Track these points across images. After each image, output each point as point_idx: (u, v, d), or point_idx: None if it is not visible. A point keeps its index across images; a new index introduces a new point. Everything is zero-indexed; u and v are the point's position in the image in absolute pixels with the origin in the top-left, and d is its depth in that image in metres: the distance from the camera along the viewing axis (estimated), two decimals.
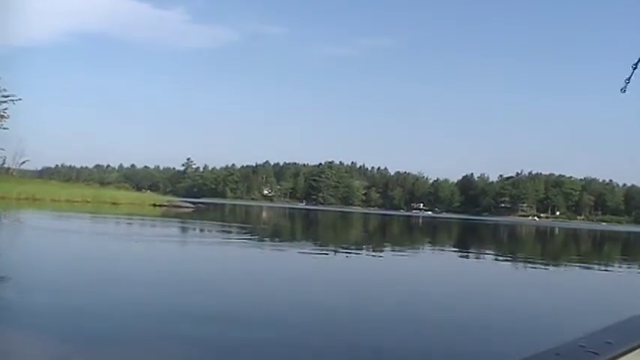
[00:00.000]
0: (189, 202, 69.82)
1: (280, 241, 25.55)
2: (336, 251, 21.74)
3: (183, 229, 30.04)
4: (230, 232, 29.47)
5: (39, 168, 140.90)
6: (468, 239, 40.82)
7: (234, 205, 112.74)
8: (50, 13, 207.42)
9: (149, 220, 34.89)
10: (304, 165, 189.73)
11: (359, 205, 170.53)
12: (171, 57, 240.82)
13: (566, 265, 22.72)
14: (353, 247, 24.44)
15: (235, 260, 16.04)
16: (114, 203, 54.25)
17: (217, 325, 7.29)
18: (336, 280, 13.16)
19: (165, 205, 58.24)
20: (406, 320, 8.77)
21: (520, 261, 23.72)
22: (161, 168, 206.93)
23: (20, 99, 50.65)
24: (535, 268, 20.82)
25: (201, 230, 30.16)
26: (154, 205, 58.08)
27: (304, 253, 19.29)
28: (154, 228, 30.10)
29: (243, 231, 30.57)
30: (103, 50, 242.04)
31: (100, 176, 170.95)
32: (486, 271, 18.78)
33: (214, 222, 38.15)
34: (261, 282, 11.71)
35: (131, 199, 60.26)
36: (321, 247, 22.90)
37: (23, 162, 62.40)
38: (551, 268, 21.06)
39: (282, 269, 14.59)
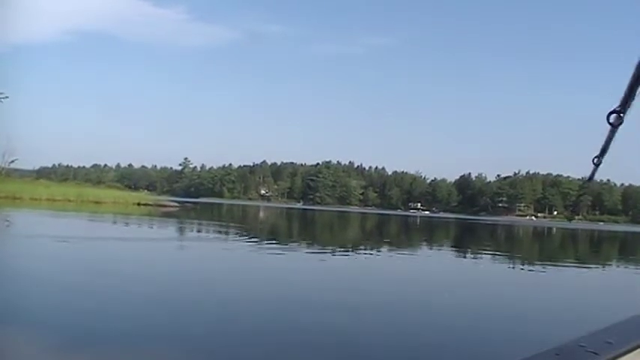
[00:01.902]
0: (181, 202, 69.74)
1: (263, 242, 25.01)
2: (329, 253, 21.48)
3: (142, 227, 29.63)
4: (202, 230, 29.23)
5: (36, 167, 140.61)
6: (465, 239, 40.65)
7: (227, 204, 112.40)
8: (50, 12, 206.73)
9: (111, 219, 34.19)
10: (301, 165, 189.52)
11: (356, 205, 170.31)
12: (171, 55, 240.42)
13: (564, 265, 22.53)
14: (350, 248, 24.19)
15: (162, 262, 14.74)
16: (96, 202, 53.90)
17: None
18: (328, 281, 12.92)
19: (149, 205, 58.01)
20: (406, 321, 8.68)
21: (518, 261, 23.56)
22: (158, 168, 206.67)
23: (7, 97, 49.59)
24: (533, 268, 20.66)
25: (164, 229, 29.63)
26: (139, 204, 57.83)
27: (282, 254, 19.03)
28: (110, 227, 28.94)
29: (216, 229, 30.36)
30: (103, 49, 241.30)
31: (97, 176, 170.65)
32: (484, 272, 18.57)
33: (191, 221, 38.01)
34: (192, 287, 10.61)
35: (115, 198, 59.89)
36: (313, 249, 22.63)
37: (12, 161, 61.53)
38: (549, 268, 20.87)
39: (243, 273, 13.58)
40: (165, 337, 6.69)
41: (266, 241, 24.47)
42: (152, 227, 30.57)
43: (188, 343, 6.39)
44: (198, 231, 30.02)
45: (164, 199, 75.76)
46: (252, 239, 24.78)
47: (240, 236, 26.28)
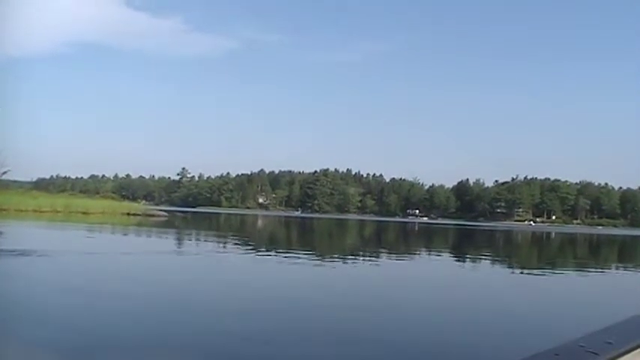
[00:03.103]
0: (170, 212, 69.17)
1: (258, 251, 24.93)
2: (328, 261, 21.36)
3: (120, 238, 29.13)
4: (183, 240, 28.72)
5: (34, 179, 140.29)
6: (464, 245, 40.57)
7: (224, 213, 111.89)
8: (49, 24, 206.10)
9: (92, 230, 33.39)
10: (299, 173, 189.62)
11: (354, 212, 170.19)
12: (169, 65, 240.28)
13: (563, 269, 22.47)
14: (350, 256, 24.09)
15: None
16: (84, 213, 53.44)
17: None
18: (328, 288, 12.82)
19: (138, 214, 57.81)
20: (408, 323, 8.70)
21: (517, 266, 23.50)
22: (156, 177, 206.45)
23: None
24: (532, 273, 20.59)
25: (144, 240, 28.94)
26: (128, 214, 57.56)
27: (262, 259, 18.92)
28: (87, 238, 27.48)
29: (203, 239, 30.10)
30: (101, 60, 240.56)
31: (94, 186, 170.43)
32: (484, 276, 18.52)
33: (175, 231, 37.55)
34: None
35: (103, 208, 59.43)
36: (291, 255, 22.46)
37: (4, 172, 61.01)
38: (548, 272, 20.80)
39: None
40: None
41: (261, 250, 24.37)
42: (131, 238, 30.15)
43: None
44: (177, 240, 29.41)
45: (155, 208, 75.50)
46: (246, 249, 24.68)
47: (232, 246, 26.17)
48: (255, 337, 7.26)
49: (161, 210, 71.22)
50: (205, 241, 29.14)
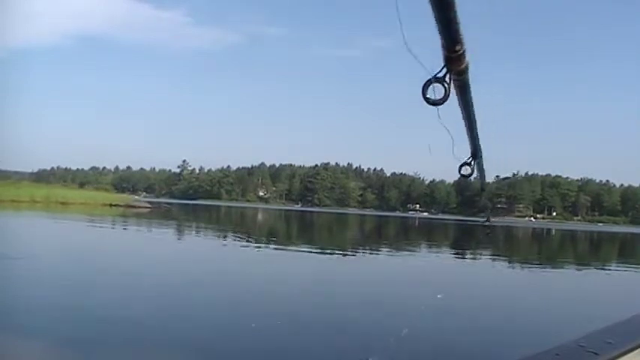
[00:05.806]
0: (155, 203, 68.52)
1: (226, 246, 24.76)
2: (327, 256, 21.19)
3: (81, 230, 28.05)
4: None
5: (35, 170, 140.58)
6: (465, 241, 40.43)
7: (221, 206, 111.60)
8: (50, 16, 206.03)
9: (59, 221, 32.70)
10: (300, 166, 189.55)
11: (355, 207, 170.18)
12: (171, 58, 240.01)
13: (563, 266, 22.34)
14: (349, 251, 23.98)
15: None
16: (63, 203, 53.19)
17: None
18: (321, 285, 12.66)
19: (120, 205, 57.38)
20: (407, 322, 8.55)
21: (517, 262, 23.36)
22: (157, 170, 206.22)
23: None
24: (533, 269, 20.47)
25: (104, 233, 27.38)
26: (110, 205, 57.02)
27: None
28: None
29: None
30: (103, 52, 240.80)
31: (95, 178, 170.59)
32: (484, 273, 18.37)
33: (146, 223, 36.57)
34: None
35: (84, 199, 59.55)
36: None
37: None
38: (548, 269, 20.67)
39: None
40: None
41: (249, 244, 24.22)
42: (93, 229, 28.96)
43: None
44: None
45: (136, 199, 75.11)
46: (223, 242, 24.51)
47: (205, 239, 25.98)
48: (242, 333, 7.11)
49: (147, 201, 70.40)
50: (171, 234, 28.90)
